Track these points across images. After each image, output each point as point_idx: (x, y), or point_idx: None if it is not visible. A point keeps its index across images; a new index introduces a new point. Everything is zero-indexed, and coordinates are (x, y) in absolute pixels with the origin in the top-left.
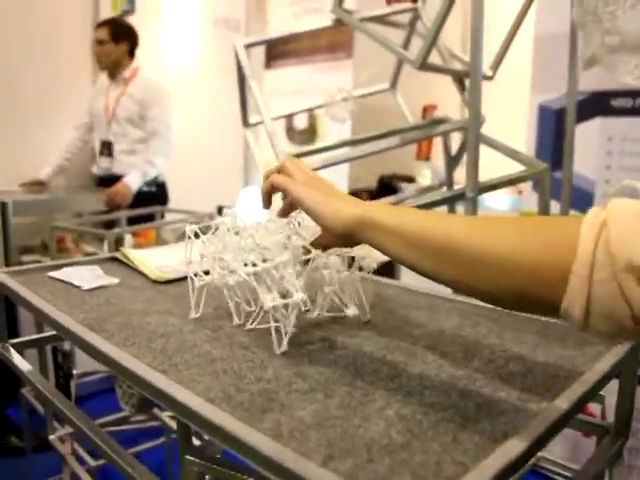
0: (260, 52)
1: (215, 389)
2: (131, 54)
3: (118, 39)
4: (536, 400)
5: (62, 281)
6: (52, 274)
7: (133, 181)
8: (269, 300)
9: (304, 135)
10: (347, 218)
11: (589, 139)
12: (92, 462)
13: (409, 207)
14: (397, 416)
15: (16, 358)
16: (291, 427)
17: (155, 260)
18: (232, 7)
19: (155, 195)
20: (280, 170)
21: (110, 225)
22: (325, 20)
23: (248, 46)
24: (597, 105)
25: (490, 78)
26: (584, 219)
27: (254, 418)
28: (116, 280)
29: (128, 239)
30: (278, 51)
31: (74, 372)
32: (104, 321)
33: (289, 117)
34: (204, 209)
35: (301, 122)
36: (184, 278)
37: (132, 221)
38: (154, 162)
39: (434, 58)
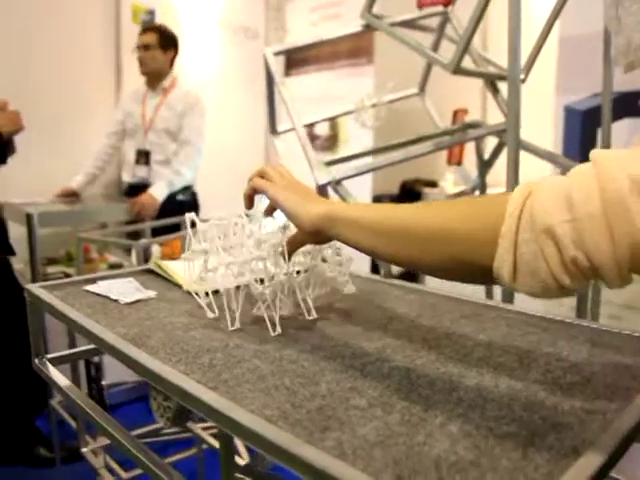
0: (280, 59)
1: (270, 406)
2: (172, 63)
3: (166, 47)
4: (601, 412)
5: (99, 295)
6: (89, 288)
7: (159, 192)
8: (259, 287)
9: (326, 141)
10: (316, 216)
11: (617, 140)
12: (123, 474)
13: (368, 203)
14: (461, 432)
15: (53, 373)
16: (354, 446)
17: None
18: (251, 16)
19: (187, 203)
20: (262, 175)
21: (135, 235)
22: (353, 25)
23: (277, 54)
24: (625, 106)
25: (522, 81)
26: (515, 190)
27: (315, 437)
28: (153, 293)
29: (155, 249)
30: (298, 58)
31: (103, 383)
32: (147, 336)
33: (312, 124)
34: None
35: (322, 129)
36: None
37: (157, 231)
38: (181, 172)
39: (463, 61)
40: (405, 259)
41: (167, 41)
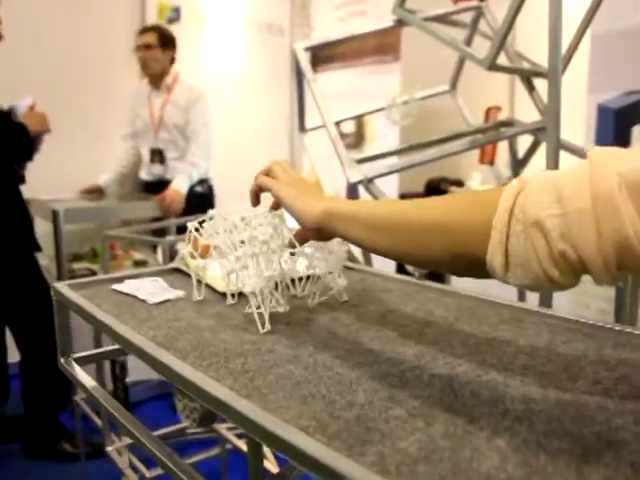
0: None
1: (306, 416)
2: (172, 62)
3: (165, 46)
4: None
5: (126, 294)
6: (115, 287)
7: (181, 185)
8: (249, 285)
9: (352, 139)
10: (316, 212)
11: None
12: (147, 473)
13: (368, 199)
14: (510, 447)
15: (79, 373)
16: (397, 461)
17: (217, 270)
18: (276, 13)
19: (204, 196)
20: (267, 172)
21: (160, 232)
22: (384, 21)
23: (308, 49)
24: None
25: None
26: (509, 184)
27: (355, 450)
28: (181, 293)
29: (181, 246)
30: (324, 55)
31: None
32: (175, 339)
33: (339, 122)
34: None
35: (348, 127)
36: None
37: (182, 228)
38: (197, 163)
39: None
40: (403, 253)
41: (166, 40)
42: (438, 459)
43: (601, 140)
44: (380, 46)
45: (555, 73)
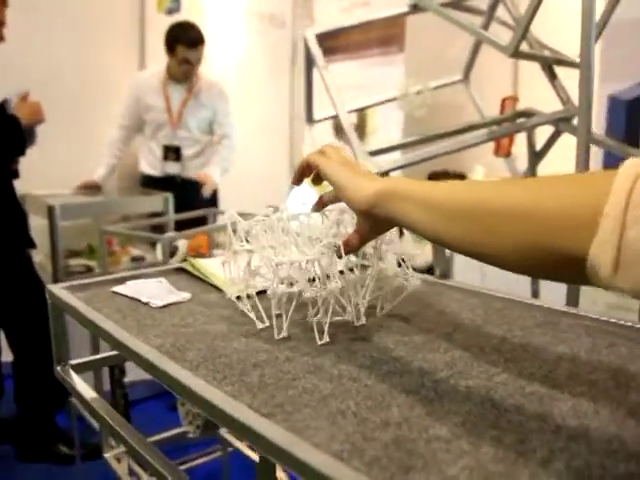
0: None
1: (338, 438)
2: None
3: None
4: None
5: (127, 297)
6: (116, 289)
7: (215, 174)
8: (308, 291)
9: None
10: (370, 191)
11: None
12: (145, 477)
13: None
14: (571, 471)
15: (76, 381)
16: None
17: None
18: (278, 4)
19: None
20: (320, 152)
21: (159, 228)
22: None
23: (319, 35)
24: None
25: (578, 65)
26: (623, 164)
27: None
28: (188, 295)
29: (181, 243)
30: (326, 46)
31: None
32: (184, 347)
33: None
34: (255, 210)
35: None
36: (264, 292)
37: (180, 224)
38: (231, 161)
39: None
40: (472, 243)
41: None
42: None
43: (612, 132)
44: (384, 37)
45: (587, 60)
